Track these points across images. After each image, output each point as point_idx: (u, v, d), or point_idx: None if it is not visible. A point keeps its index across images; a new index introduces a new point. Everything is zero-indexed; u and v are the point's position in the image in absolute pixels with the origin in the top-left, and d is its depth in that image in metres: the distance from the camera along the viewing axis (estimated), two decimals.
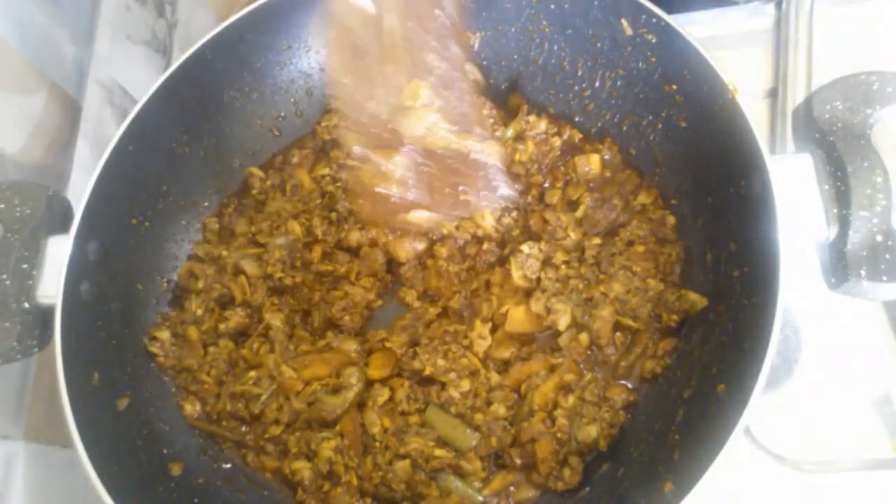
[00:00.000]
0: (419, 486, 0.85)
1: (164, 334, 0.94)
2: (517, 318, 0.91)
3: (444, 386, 0.89)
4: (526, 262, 0.91)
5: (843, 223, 0.71)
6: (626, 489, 0.81)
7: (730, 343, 0.78)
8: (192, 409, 0.93)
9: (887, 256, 0.68)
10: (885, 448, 0.91)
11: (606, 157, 0.99)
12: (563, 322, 0.88)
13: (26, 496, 0.87)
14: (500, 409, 0.87)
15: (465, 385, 0.88)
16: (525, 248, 0.92)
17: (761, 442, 0.92)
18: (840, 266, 0.70)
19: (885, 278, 0.68)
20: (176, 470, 0.88)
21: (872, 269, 0.68)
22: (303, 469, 0.87)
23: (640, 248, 0.92)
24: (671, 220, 0.94)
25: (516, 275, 0.91)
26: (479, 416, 0.87)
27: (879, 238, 0.69)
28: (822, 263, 0.73)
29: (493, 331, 0.92)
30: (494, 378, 0.89)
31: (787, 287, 0.69)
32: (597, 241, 0.93)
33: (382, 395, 0.90)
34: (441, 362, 0.89)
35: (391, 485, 0.85)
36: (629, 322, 0.88)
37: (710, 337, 0.83)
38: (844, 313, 0.96)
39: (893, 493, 0.89)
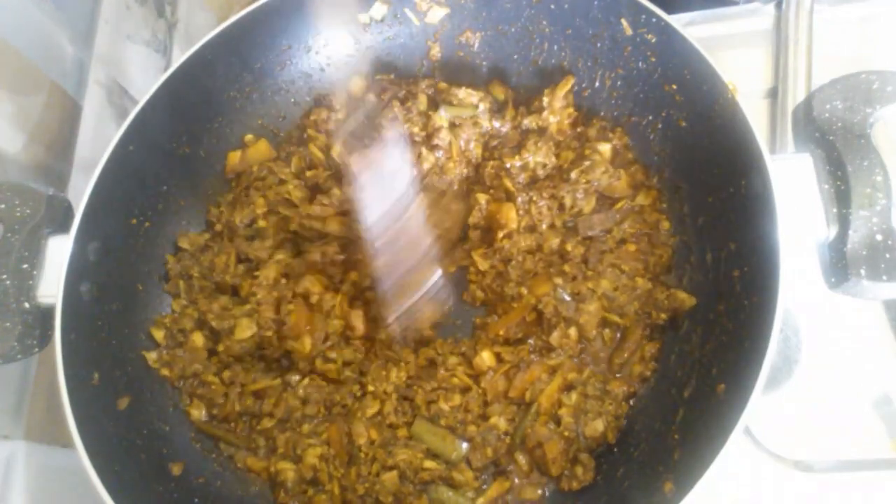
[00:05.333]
0: (408, 498, 0.85)
1: (159, 333, 0.94)
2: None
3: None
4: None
5: (843, 223, 0.71)
6: (626, 489, 0.81)
7: (730, 343, 0.78)
8: (198, 413, 0.93)
9: (887, 256, 0.68)
10: (885, 448, 0.91)
11: (617, 145, 0.99)
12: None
13: (26, 496, 0.87)
14: (500, 423, 0.86)
15: (456, 399, 0.88)
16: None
17: (761, 442, 0.92)
18: (840, 266, 0.70)
19: (885, 278, 0.68)
20: (176, 470, 0.88)
21: (872, 269, 0.68)
22: (287, 470, 0.87)
23: (632, 248, 0.93)
24: (665, 225, 0.93)
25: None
26: (471, 428, 0.86)
27: (879, 238, 0.69)
28: (822, 263, 0.73)
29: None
30: (500, 386, 0.88)
31: (787, 287, 0.69)
32: (580, 249, 0.93)
33: (372, 407, 0.89)
34: (427, 385, 0.89)
35: (378, 496, 0.85)
36: (615, 318, 0.89)
37: (710, 337, 0.83)
38: (844, 313, 0.96)
39: (893, 493, 0.89)
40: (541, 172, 0.98)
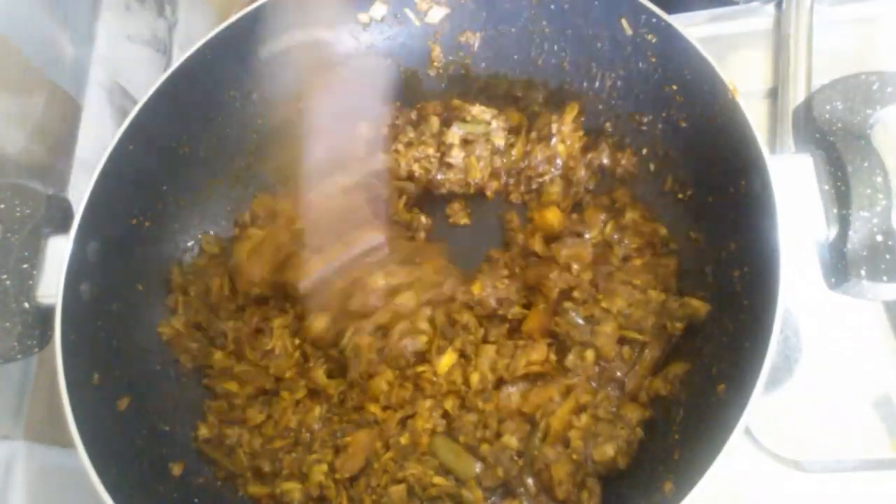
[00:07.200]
0: None
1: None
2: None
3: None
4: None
5: (843, 223, 0.70)
6: (625, 489, 0.81)
7: (730, 343, 0.78)
8: (207, 432, 0.92)
9: (887, 256, 0.68)
10: (885, 448, 0.91)
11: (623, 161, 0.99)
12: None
13: (26, 496, 0.87)
14: (511, 441, 0.84)
15: (475, 414, 0.86)
16: None
17: (761, 442, 0.92)
18: (840, 266, 0.70)
19: (885, 278, 0.68)
20: (176, 470, 0.88)
21: (872, 269, 0.68)
22: (293, 490, 0.86)
23: (638, 262, 0.91)
24: (662, 230, 0.92)
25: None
26: (485, 447, 0.84)
27: (879, 238, 0.69)
28: (822, 263, 0.73)
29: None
30: (514, 402, 0.87)
31: (787, 287, 0.69)
32: (588, 274, 0.91)
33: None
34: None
35: None
36: (635, 335, 0.86)
37: (710, 337, 0.83)
38: (844, 313, 0.96)
39: (893, 493, 0.89)
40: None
